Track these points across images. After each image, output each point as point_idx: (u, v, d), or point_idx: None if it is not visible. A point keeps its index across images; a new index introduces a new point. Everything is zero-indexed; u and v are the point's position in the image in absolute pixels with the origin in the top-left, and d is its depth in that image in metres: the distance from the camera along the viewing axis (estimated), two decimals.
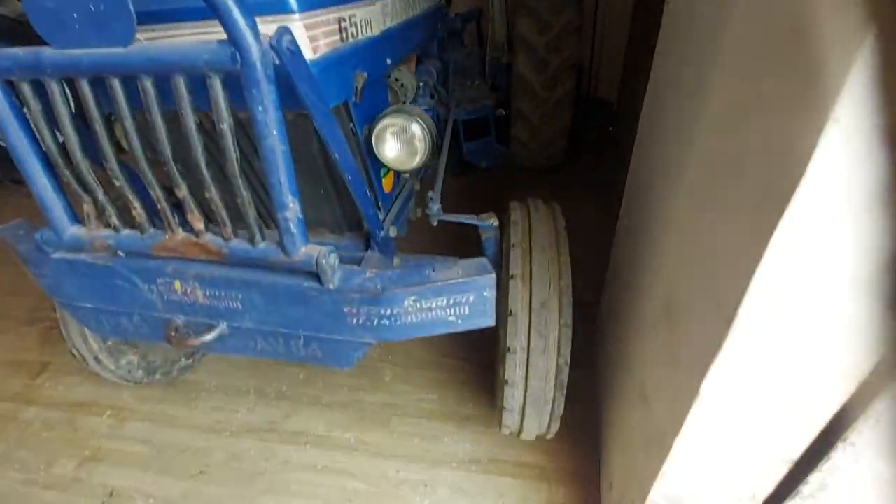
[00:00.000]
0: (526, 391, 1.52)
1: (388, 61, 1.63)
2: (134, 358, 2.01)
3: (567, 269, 1.51)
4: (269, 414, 2.20)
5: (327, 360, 1.33)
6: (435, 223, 1.75)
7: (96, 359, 1.92)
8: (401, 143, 1.42)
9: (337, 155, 1.16)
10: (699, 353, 0.92)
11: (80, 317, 1.48)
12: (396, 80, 1.82)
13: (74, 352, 1.92)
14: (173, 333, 1.28)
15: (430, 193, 1.71)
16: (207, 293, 1.25)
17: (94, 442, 2.12)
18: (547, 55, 3.17)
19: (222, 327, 1.29)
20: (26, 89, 1.06)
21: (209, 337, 1.26)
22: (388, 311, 1.15)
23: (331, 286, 1.13)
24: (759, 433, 0.96)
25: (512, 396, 1.55)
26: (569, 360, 1.48)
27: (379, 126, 1.40)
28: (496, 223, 1.69)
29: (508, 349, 1.48)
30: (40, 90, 1.06)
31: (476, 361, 2.39)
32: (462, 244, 1.94)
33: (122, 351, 1.95)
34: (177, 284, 1.26)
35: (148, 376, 2.11)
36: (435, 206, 1.68)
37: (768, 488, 1.04)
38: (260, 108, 0.93)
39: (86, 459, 2.05)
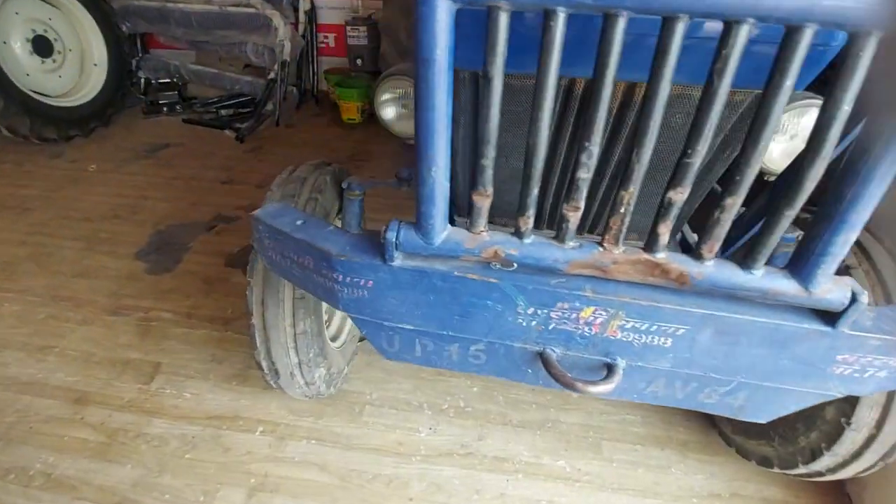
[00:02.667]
0: (874, 437, 1.27)
1: None
2: (324, 370, 1.61)
3: None
4: (456, 435, 1.86)
5: (746, 412, 1.03)
6: None
7: (291, 373, 1.51)
8: None
9: None
10: None
11: (384, 339, 1.09)
12: None
13: (265, 363, 1.51)
14: (564, 373, 0.93)
15: None
16: (629, 325, 0.91)
17: (255, 467, 1.71)
18: None
19: (621, 366, 0.96)
20: (503, 20, 0.66)
21: (615, 382, 0.93)
22: (890, 362, 0.86)
23: (845, 329, 0.83)
24: None
25: (850, 441, 1.30)
26: None
27: None
28: None
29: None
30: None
31: None
32: None
33: (317, 363, 1.54)
34: (586, 311, 0.91)
35: (327, 388, 1.71)
36: None
37: None
38: None
39: (255, 489, 1.65)
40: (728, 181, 0.74)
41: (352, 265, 0.94)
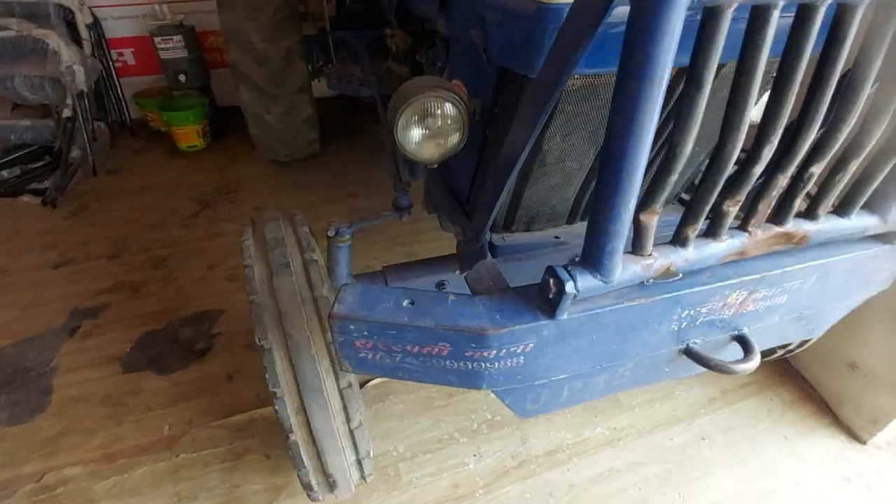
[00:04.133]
0: None
1: None
2: (371, 450, 1.33)
3: None
4: (501, 449, 1.76)
5: (815, 332, 1.15)
6: None
7: (349, 476, 1.21)
8: None
9: None
10: None
11: (529, 400, 0.89)
12: None
13: (316, 480, 1.17)
14: (721, 362, 0.90)
15: None
16: (761, 296, 0.91)
17: None
18: None
19: (749, 335, 0.97)
20: (727, 19, 0.55)
21: (757, 353, 0.93)
22: None
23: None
24: None
25: None
26: None
27: None
28: None
29: None
30: None
31: None
32: None
33: (370, 448, 1.27)
34: (732, 296, 0.88)
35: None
36: None
37: None
38: None
39: None
40: (855, 145, 0.79)
41: (512, 335, 0.75)
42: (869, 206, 0.91)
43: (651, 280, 0.82)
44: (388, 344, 0.77)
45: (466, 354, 0.77)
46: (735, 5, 0.55)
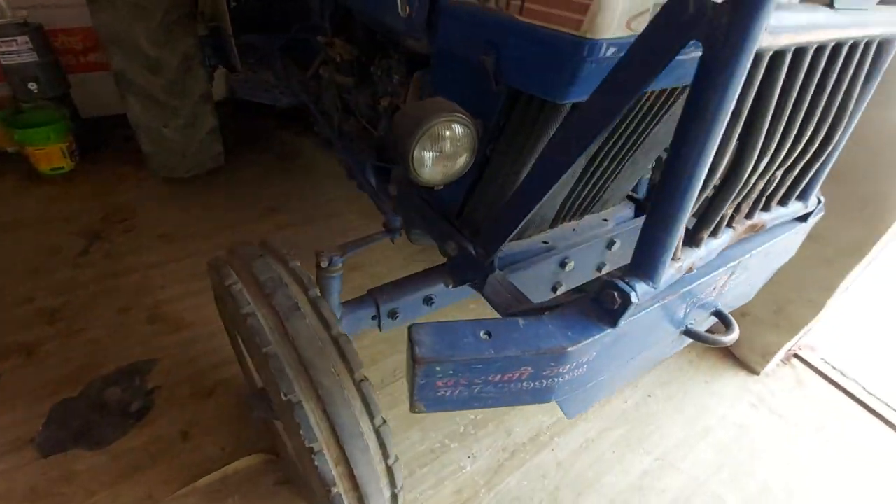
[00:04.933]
0: None
1: None
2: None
3: None
4: (492, 445, 1.83)
5: (749, 298, 1.38)
6: None
7: None
8: None
9: None
10: None
11: (580, 402, 0.92)
12: None
13: None
14: (716, 338, 1.04)
15: None
16: (735, 275, 1.08)
17: None
18: None
19: (723, 309, 1.14)
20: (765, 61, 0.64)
21: (735, 323, 1.10)
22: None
23: (811, 221, 1.22)
24: None
25: None
26: None
27: None
28: None
29: None
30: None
31: None
32: None
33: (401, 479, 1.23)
34: (720, 280, 1.02)
35: None
36: None
37: None
38: None
39: None
40: (803, 150, 0.98)
41: (584, 349, 0.79)
42: (799, 196, 1.14)
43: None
44: (470, 378, 0.77)
45: (544, 374, 0.79)
46: (790, 53, 0.65)
